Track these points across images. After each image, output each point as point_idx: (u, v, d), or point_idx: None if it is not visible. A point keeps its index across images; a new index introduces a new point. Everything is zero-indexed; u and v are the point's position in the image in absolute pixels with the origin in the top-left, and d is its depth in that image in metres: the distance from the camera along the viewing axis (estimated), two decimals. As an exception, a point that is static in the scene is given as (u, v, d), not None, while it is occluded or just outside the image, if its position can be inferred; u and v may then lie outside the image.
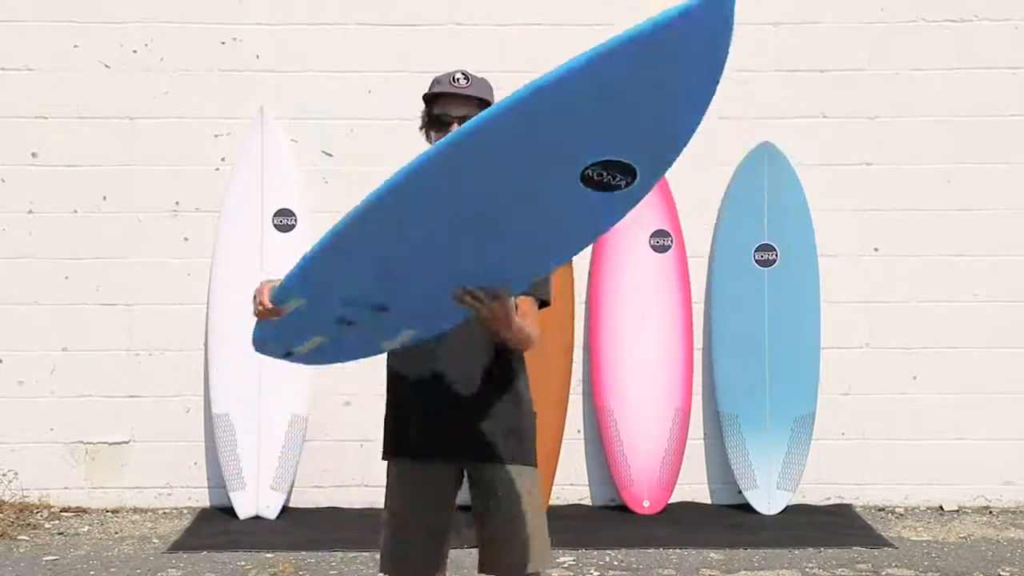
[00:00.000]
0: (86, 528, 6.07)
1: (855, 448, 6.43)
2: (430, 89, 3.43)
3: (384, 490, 3.50)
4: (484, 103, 3.31)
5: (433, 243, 2.91)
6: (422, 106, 3.48)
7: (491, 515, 3.38)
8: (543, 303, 3.37)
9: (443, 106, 3.39)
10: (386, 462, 3.48)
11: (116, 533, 6.01)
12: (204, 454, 6.37)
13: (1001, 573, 5.40)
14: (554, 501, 6.30)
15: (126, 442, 6.38)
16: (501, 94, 6.48)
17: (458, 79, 3.39)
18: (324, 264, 2.94)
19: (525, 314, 3.26)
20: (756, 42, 6.34)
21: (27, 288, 6.33)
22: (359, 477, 6.34)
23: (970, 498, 6.42)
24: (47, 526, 6.08)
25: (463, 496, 3.53)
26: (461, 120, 3.25)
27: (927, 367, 6.42)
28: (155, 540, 5.88)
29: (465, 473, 3.43)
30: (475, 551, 3.52)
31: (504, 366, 3.37)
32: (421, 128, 3.46)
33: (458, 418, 3.35)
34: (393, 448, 3.45)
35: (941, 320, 6.41)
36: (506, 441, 3.36)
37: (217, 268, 6.26)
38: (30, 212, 6.33)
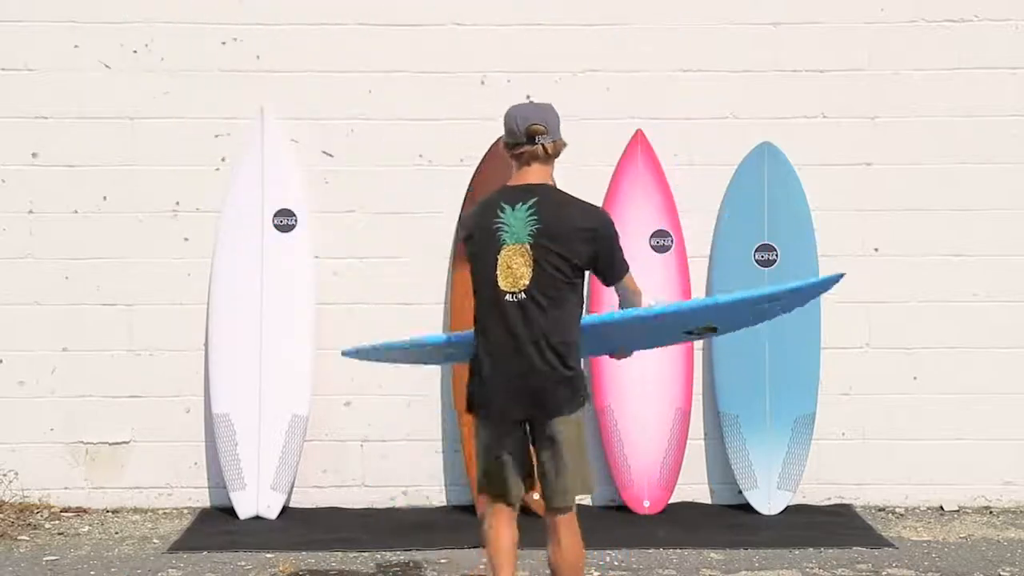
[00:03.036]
0: (86, 528, 6.08)
1: (855, 448, 6.43)
2: (530, 139, 4.21)
3: (476, 437, 4.33)
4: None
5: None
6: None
7: (551, 455, 4.20)
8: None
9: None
10: (473, 414, 4.32)
11: (116, 533, 6.01)
12: (204, 454, 6.37)
13: (1001, 573, 5.40)
14: (554, 501, 6.30)
15: (126, 442, 6.38)
16: (502, 92, 6.51)
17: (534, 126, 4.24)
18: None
19: (630, 289, 4.40)
20: (756, 42, 6.34)
21: (27, 288, 6.33)
22: (359, 477, 6.35)
23: (970, 498, 6.43)
24: (47, 526, 6.08)
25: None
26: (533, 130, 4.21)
27: (927, 367, 6.42)
28: (155, 540, 5.88)
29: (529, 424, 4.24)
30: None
31: (566, 339, 4.17)
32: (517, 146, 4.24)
33: (529, 388, 4.14)
34: (484, 409, 4.24)
35: (941, 320, 6.41)
36: (562, 397, 4.15)
37: (217, 268, 6.26)
38: (30, 212, 6.33)
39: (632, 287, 4.37)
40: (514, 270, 4.12)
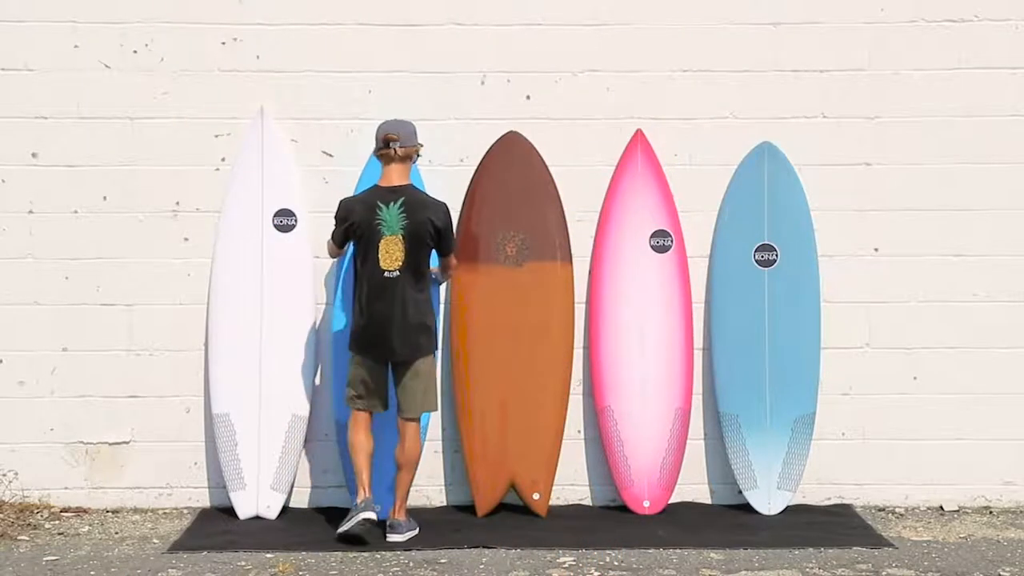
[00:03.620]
0: (86, 528, 6.08)
1: (855, 448, 6.43)
2: (385, 144, 5.73)
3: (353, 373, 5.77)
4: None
5: None
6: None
7: (409, 384, 5.75)
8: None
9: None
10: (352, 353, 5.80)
11: (116, 533, 6.01)
12: (204, 454, 6.38)
13: (1001, 573, 5.40)
14: (554, 501, 6.31)
15: (126, 442, 6.38)
16: (502, 92, 6.49)
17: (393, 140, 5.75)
18: None
19: (450, 264, 5.97)
20: (756, 42, 6.35)
21: (27, 288, 6.33)
22: (359, 477, 6.34)
23: (970, 498, 6.43)
24: (47, 526, 6.08)
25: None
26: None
27: (927, 367, 6.42)
28: (155, 540, 5.88)
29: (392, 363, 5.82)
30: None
31: (426, 304, 5.77)
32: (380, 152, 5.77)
33: (402, 336, 5.70)
34: (365, 351, 5.73)
35: (941, 320, 6.41)
36: (422, 344, 5.74)
37: (217, 268, 6.26)
38: (30, 212, 6.33)
39: (453, 261, 5.95)
40: (391, 254, 5.61)
